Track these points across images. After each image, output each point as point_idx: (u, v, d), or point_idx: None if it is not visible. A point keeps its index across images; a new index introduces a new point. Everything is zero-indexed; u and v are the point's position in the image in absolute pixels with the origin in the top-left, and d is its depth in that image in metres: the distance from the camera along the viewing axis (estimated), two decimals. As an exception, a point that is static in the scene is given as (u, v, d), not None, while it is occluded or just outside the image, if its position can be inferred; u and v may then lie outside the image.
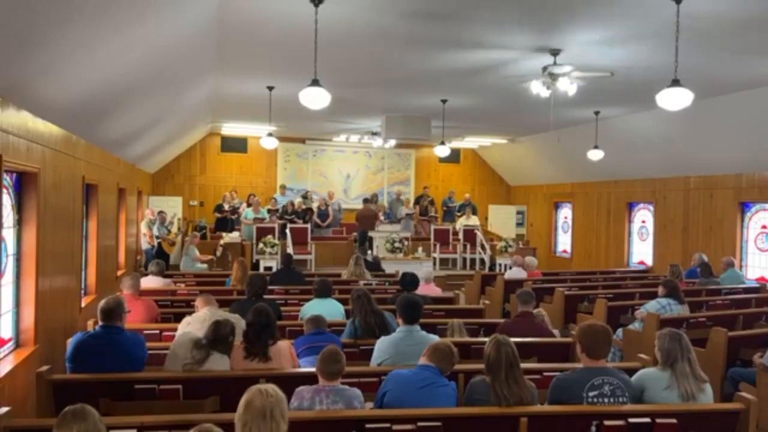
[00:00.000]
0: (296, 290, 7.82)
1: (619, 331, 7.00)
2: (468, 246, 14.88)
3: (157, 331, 5.52)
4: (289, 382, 3.47)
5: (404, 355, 4.32)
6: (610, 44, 7.03)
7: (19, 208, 5.57)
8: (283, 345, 4.30)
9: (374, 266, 10.38)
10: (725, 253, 10.91)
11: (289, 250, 12.92)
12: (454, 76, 8.98)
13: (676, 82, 5.87)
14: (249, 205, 14.75)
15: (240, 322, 4.75)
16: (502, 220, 17.92)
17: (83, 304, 7.58)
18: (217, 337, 4.12)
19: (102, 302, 4.24)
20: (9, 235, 5.37)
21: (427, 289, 7.75)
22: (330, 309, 5.90)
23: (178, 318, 5.57)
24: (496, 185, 19.87)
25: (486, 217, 17.95)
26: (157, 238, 12.48)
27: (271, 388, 2.56)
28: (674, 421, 3.47)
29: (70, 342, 4.18)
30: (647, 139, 12.33)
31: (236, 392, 2.78)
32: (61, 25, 4.26)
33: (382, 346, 4.47)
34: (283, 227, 14.08)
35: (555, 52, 7.32)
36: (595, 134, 11.88)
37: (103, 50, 5.32)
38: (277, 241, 13.05)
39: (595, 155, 11.78)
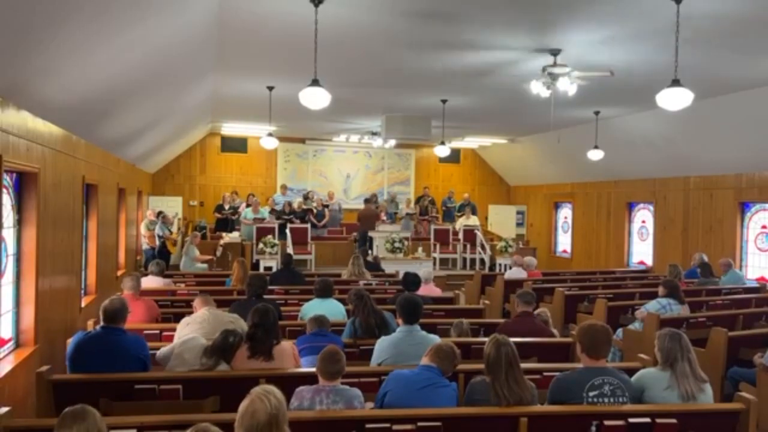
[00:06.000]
0: (296, 290, 7.82)
1: (619, 331, 7.00)
2: (468, 246, 14.89)
3: (157, 331, 5.52)
4: (289, 382, 3.47)
5: (404, 355, 4.32)
6: (610, 44, 7.03)
7: (19, 208, 5.57)
8: (287, 345, 4.31)
9: (374, 266, 10.38)
10: (725, 254, 10.91)
11: (289, 250, 12.93)
12: (454, 76, 8.98)
13: (676, 82, 5.88)
14: (248, 206, 14.77)
15: (239, 322, 4.75)
16: (502, 220, 17.92)
17: (83, 304, 7.59)
18: (225, 348, 4.11)
19: (106, 303, 4.22)
20: (9, 235, 5.37)
21: (426, 290, 7.74)
22: (331, 309, 5.89)
23: (178, 318, 5.56)
24: (496, 185, 19.87)
25: (486, 217, 17.96)
26: (161, 237, 12.49)
27: (272, 393, 2.49)
28: (674, 421, 3.47)
29: (71, 341, 4.17)
30: (647, 139, 12.33)
31: (236, 392, 2.79)
32: (61, 25, 4.26)
33: (382, 346, 4.47)
34: (282, 227, 14.09)
35: (555, 52, 7.32)
36: (595, 134, 11.88)
37: (103, 50, 5.32)
38: (277, 241, 13.05)
39: (595, 155, 11.78)
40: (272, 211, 14.70)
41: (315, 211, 15.30)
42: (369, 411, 3.55)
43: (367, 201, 14.91)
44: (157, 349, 4.39)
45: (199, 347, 4.14)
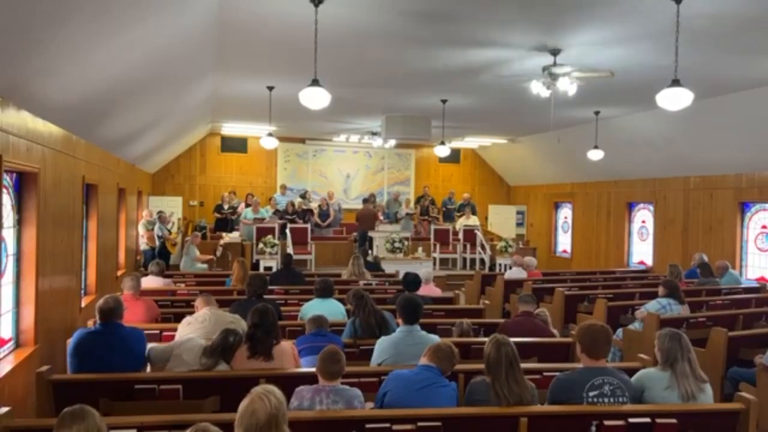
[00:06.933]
0: (296, 290, 7.82)
1: (619, 331, 7.00)
2: (468, 246, 14.89)
3: (157, 331, 5.51)
4: (289, 382, 3.47)
5: (404, 355, 4.32)
6: (610, 44, 7.03)
7: (19, 208, 5.57)
8: (286, 345, 4.31)
9: (374, 266, 10.38)
10: (725, 254, 10.91)
11: (289, 250, 12.93)
12: (454, 76, 8.98)
13: (676, 82, 5.88)
14: (248, 206, 14.76)
15: (240, 322, 4.75)
16: (502, 220, 17.92)
17: (83, 304, 7.59)
18: (225, 348, 4.11)
19: (101, 302, 4.25)
20: (9, 235, 5.37)
21: (427, 290, 7.74)
22: (331, 309, 5.90)
23: (178, 318, 5.56)
24: (496, 185, 19.87)
25: (486, 217, 17.96)
26: (160, 238, 12.49)
27: (272, 393, 2.49)
28: (674, 421, 3.47)
29: (72, 337, 4.21)
30: (647, 139, 12.33)
31: (236, 392, 2.78)
32: (61, 25, 4.26)
33: (382, 346, 4.47)
34: (282, 227, 14.10)
35: (555, 52, 7.32)
36: (595, 134, 11.88)
37: (103, 50, 5.32)
38: (277, 241, 13.05)
39: (595, 155, 11.78)
40: (276, 212, 14.70)
41: (319, 210, 15.30)
42: (369, 411, 3.55)
43: (365, 201, 14.92)
44: (157, 348, 4.39)
45: (197, 348, 4.14)
